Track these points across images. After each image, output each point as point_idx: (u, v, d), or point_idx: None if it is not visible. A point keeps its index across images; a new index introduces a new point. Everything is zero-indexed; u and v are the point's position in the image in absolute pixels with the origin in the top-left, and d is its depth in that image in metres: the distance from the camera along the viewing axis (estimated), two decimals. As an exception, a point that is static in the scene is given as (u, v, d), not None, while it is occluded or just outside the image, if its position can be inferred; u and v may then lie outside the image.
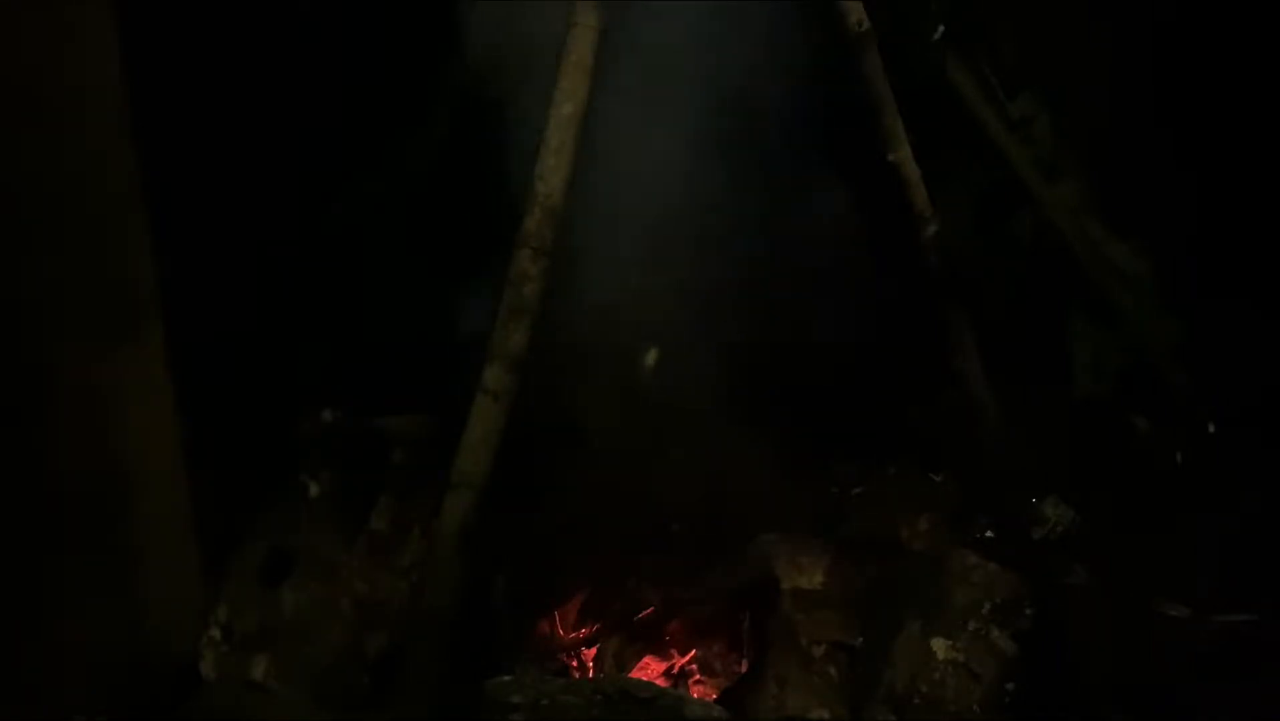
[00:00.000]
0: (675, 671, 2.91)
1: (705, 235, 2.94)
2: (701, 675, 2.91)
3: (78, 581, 2.51)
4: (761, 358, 3.04)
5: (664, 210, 2.87)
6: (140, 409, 2.60)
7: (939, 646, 2.56)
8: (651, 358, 3.01)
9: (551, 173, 2.60)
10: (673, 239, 2.90)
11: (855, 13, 2.77)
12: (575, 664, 2.97)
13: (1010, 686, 2.54)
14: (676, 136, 2.84)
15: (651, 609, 2.99)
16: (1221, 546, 2.97)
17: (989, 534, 3.06)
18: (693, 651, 2.94)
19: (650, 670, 2.91)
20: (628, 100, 2.79)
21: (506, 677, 2.34)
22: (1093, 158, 3.51)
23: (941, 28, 3.31)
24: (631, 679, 2.67)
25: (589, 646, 2.99)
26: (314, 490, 2.95)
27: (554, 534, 2.89)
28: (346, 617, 2.80)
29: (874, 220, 3.03)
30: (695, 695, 2.78)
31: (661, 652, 2.95)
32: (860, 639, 2.72)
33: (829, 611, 2.78)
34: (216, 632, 2.75)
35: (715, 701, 2.62)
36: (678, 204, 2.87)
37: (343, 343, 3.18)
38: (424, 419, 2.98)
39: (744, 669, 2.84)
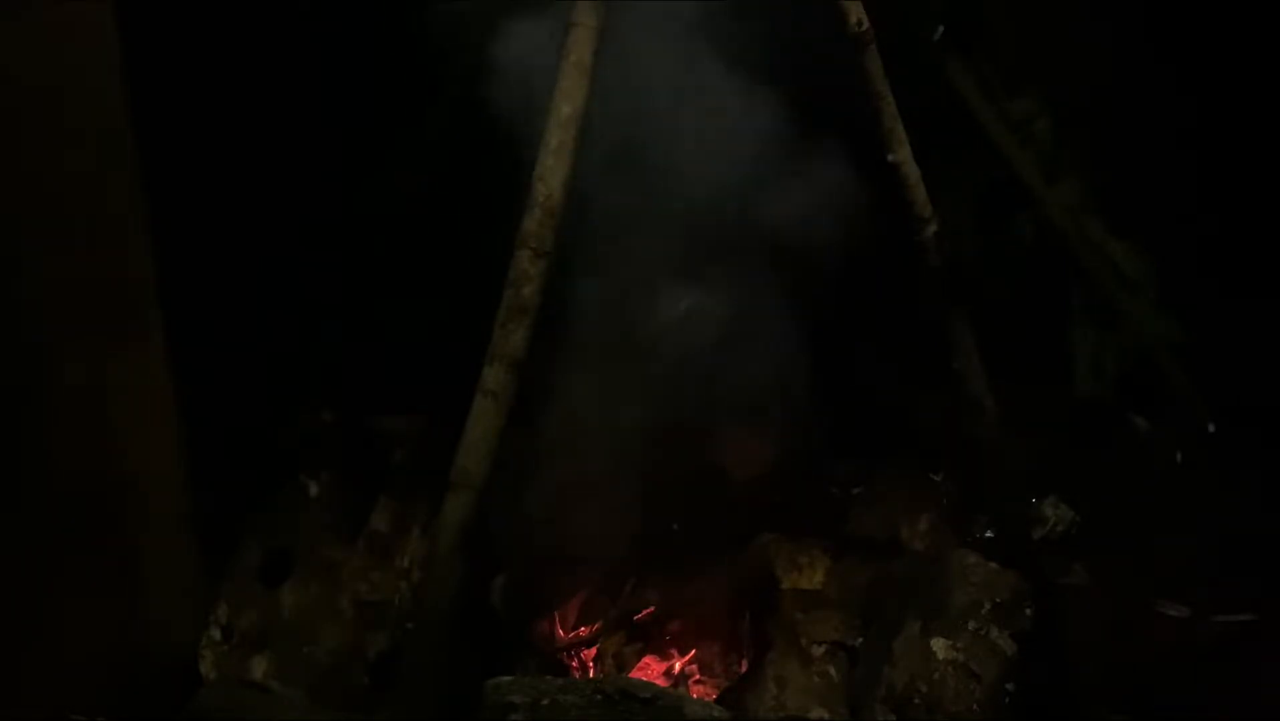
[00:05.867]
0: (675, 671, 2.91)
1: (703, 235, 2.94)
2: (701, 675, 2.91)
3: (78, 581, 2.52)
4: (761, 358, 3.04)
5: (661, 210, 2.87)
6: (140, 409, 2.61)
7: (939, 646, 2.56)
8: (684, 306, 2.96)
9: (551, 173, 2.60)
10: (670, 239, 2.89)
11: (855, 13, 2.77)
12: (575, 664, 2.97)
13: (1010, 686, 2.54)
14: (673, 135, 2.84)
15: (651, 609, 3.00)
16: (1221, 546, 2.97)
17: (989, 534, 3.06)
18: (693, 651, 2.94)
19: (650, 670, 2.91)
20: (623, 98, 2.79)
21: (506, 677, 2.33)
22: (1093, 158, 3.50)
23: (941, 28, 3.31)
24: (631, 679, 2.67)
25: (589, 646, 2.99)
26: (314, 490, 2.95)
27: (554, 534, 2.89)
28: (346, 617, 2.80)
29: (873, 220, 3.03)
30: (695, 695, 2.78)
31: (661, 652, 2.95)
32: (860, 639, 2.72)
33: (829, 611, 2.78)
34: (216, 632, 2.76)
35: (715, 701, 2.62)
36: (675, 204, 2.87)
37: (343, 342, 3.18)
38: (424, 419, 2.98)
39: (744, 669, 2.85)
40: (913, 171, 2.84)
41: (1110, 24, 3.34)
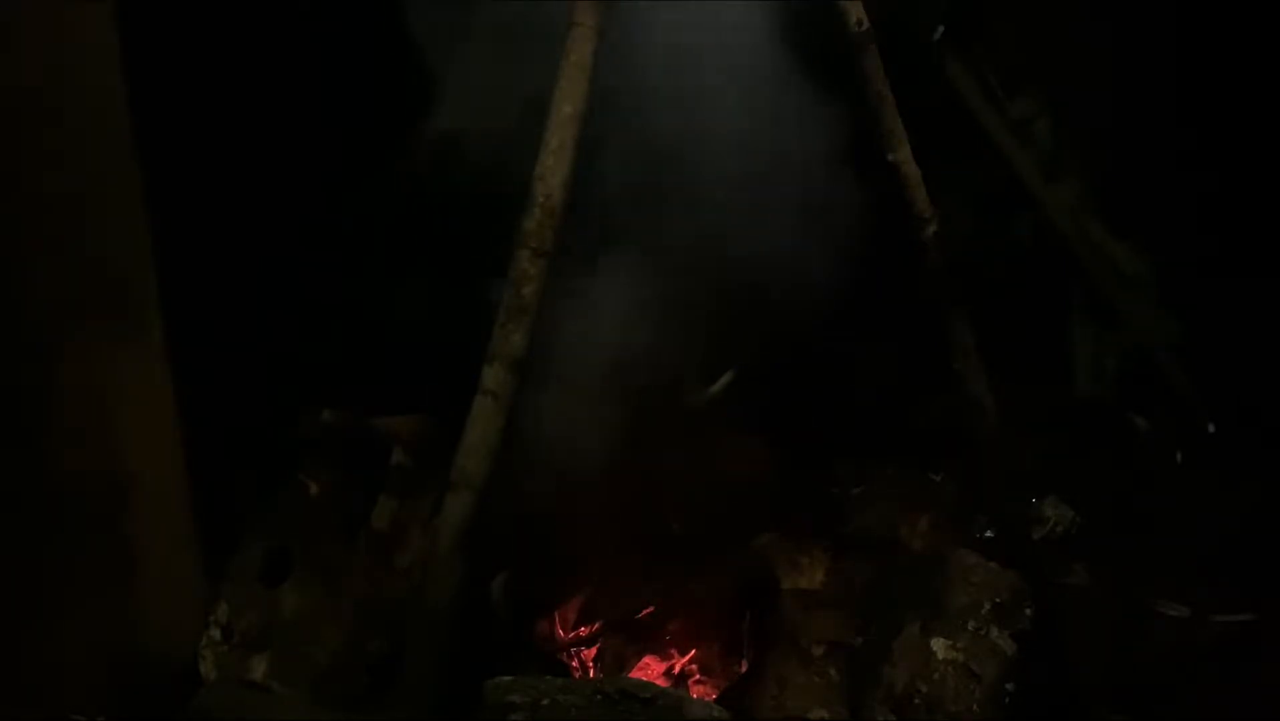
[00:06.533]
0: (675, 671, 2.91)
1: (704, 235, 2.93)
2: (701, 675, 2.91)
3: (78, 581, 2.51)
4: (762, 358, 3.04)
5: (662, 210, 2.87)
6: (140, 409, 2.60)
7: (939, 646, 2.56)
8: (723, 382, 3.01)
9: (551, 173, 2.59)
10: (672, 240, 2.90)
11: (855, 13, 2.77)
12: (575, 664, 2.97)
13: (1010, 686, 2.54)
14: (674, 135, 2.84)
15: (651, 609, 2.99)
16: (1221, 546, 2.97)
17: (989, 534, 3.06)
18: (693, 651, 2.93)
19: (650, 670, 2.91)
20: (626, 97, 2.79)
21: (506, 677, 2.33)
22: (1093, 158, 3.51)
23: (941, 28, 3.31)
24: (631, 679, 2.66)
25: (589, 646, 2.99)
26: (314, 490, 2.95)
27: (554, 534, 2.89)
28: (346, 617, 2.80)
29: (874, 220, 3.03)
30: (695, 695, 2.78)
31: (661, 652, 2.95)
32: (860, 639, 2.72)
33: (829, 611, 2.78)
34: (216, 632, 2.75)
35: (715, 701, 2.62)
36: (676, 204, 2.87)
37: (343, 342, 3.18)
38: (424, 419, 2.98)
39: (744, 669, 2.84)
40: (913, 171, 2.84)
41: (1110, 23, 3.34)
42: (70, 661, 2.50)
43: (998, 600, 2.63)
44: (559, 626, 3.01)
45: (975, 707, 2.50)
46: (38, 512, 2.47)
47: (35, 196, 2.41)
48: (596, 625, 3.00)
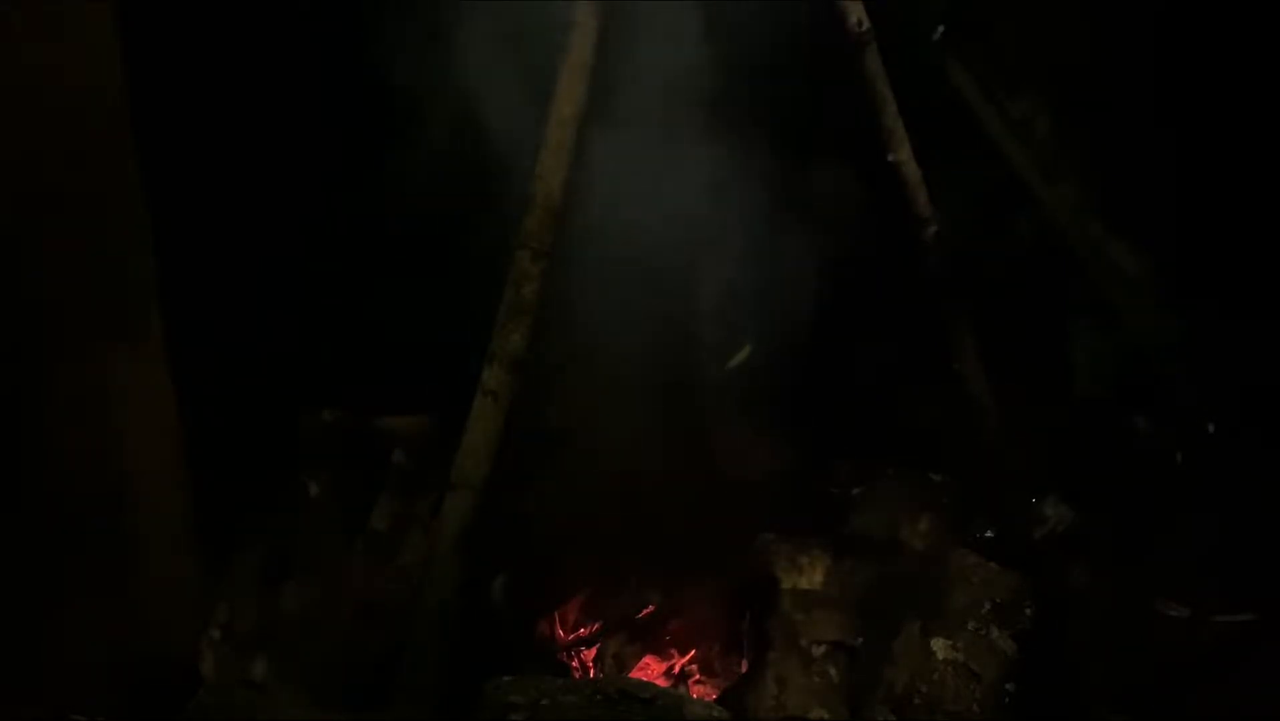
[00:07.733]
0: (675, 671, 2.91)
1: (705, 236, 2.94)
2: (701, 675, 2.91)
3: (78, 581, 2.52)
4: (762, 358, 3.04)
5: (663, 210, 2.87)
6: (140, 409, 2.61)
7: (939, 646, 2.56)
8: (743, 355, 3.00)
9: (551, 173, 2.60)
10: (673, 240, 2.90)
11: (855, 13, 2.77)
12: (575, 664, 2.97)
13: (1010, 686, 2.54)
14: (675, 134, 2.84)
15: (651, 608, 3.00)
16: (1221, 546, 2.97)
17: (989, 534, 3.06)
18: (693, 651, 2.94)
19: (650, 670, 2.91)
20: (627, 96, 2.79)
21: (506, 677, 2.33)
22: (1093, 158, 3.50)
23: (941, 28, 3.31)
24: (631, 679, 2.67)
25: (589, 646, 2.99)
26: (314, 490, 2.95)
27: (554, 534, 2.89)
28: (346, 617, 2.80)
29: (874, 221, 3.03)
30: (695, 695, 2.78)
31: (661, 652, 2.95)
32: (860, 639, 2.72)
33: (829, 611, 2.78)
34: (216, 632, 2.75)
35: (715, 701, 2.62)
36: (677, 204, 2.87)
37: (343, 342, 3.18)
38: (424, 419, 2.98)
39: (744, 669, 2.85)
40: (913, 172, 2.85)
41: (1111, 23, 3.34)
42: (70, 661, 2.50)
43: (998, 600, 2.63)
44: (559, 626, 3.01)
45: (975, 707, 2.50)
46: (38, 513, 2.47)
47: (35, 197, 2.41)
48: (596, 625, 3.01)
